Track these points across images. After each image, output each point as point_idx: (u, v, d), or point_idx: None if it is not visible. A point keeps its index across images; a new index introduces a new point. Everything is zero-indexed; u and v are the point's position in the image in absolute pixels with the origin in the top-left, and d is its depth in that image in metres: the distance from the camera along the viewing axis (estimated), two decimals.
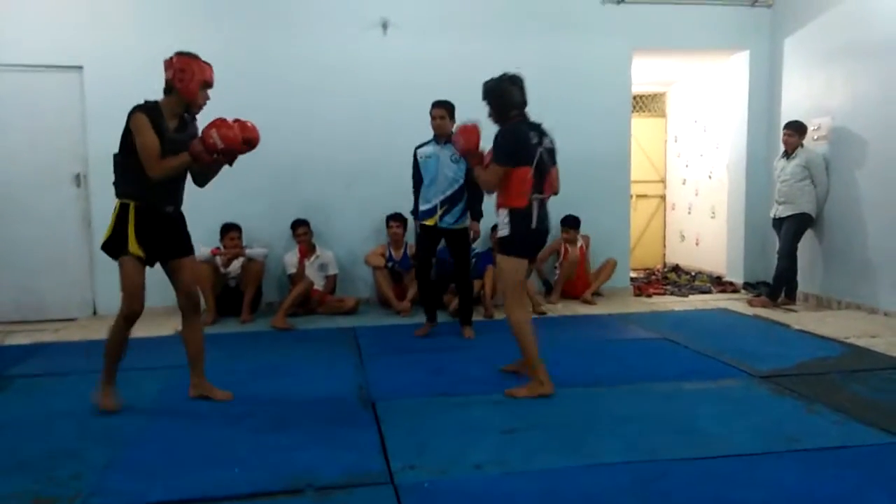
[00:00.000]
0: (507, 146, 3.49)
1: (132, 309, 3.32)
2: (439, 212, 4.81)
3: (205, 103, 3.43)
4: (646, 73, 7.97)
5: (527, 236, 3.57)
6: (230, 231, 5.83)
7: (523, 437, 2.97)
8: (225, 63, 6.00)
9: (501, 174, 3.51)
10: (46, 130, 5.91)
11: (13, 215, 5.87)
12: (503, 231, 3.59)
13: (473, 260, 6.21)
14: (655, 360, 4.32)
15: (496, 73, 6.73)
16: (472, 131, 3.72)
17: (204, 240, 5.92)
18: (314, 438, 3.01)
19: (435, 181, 4.82)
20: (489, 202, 4.75)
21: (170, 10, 6.04)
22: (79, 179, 5.99)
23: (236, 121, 3.31)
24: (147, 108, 3.28)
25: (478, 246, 6.42)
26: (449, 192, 4.79)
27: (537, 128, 3.61)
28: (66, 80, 5.90)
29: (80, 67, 5.89)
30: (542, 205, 3.60)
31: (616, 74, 6.71)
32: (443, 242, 5.01)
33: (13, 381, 4.01)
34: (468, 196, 4.85)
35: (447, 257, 6.21)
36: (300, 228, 6.00)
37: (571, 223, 6.47)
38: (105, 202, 5.93)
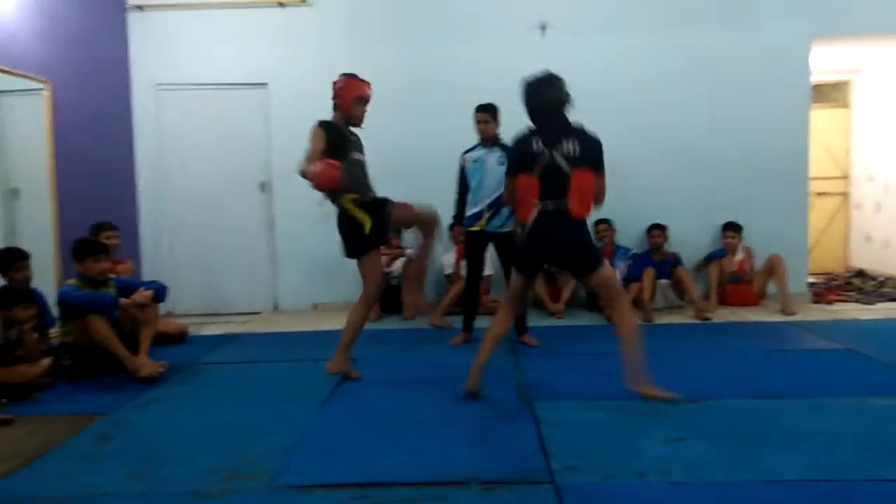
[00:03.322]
0: (509, 155, 3.41)
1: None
2: (486, 215, 4.74)
3: (363, 115, 3.92)
4: (826, 61, 7.33)
5: (526, 247, 3.39)
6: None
7: (689, 446, 2.85)
8: (392, 76, 6.38)
9: (510, 185, 3.44)
10: (235, 143, 6.55)
11: (206, 219, 6.55)
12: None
13: (630, 262, 6.07)
14: (838, 371, 3.97)
15: (658, 70, 6.55)
16: None
17: None
18: (476, 434, 3.09)
19: (482, 185, 4.76)
20: None
21: (342, 29, 6.48)
22: (263, 187, 6.57)
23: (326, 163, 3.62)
24: (323, 123, 3.83)
25: (634, 247, 6.26)
26: (495, 196, 4.68)
27: (558, 131, 3.30)
28: (253, 97, 6.49)
29: (266, 84, 6.46)
30: (546, 213, 3.27)
31: (793, 64, 6.27)
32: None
33: (208, 368, 4.46)
34: None
35: None
36: (457, 229, 6.16)
37: (732, 226, 6.16)
38: (288, 207, 6.54)
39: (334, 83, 3.89)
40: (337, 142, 3.77)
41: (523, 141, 3.36)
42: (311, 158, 3.67)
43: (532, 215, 3.29)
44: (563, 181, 3.24)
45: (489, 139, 4.82)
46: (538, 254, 3.41)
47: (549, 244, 3.32)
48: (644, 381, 3.36)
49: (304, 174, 3.64)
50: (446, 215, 6.20)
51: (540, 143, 3.28)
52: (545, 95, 3.31)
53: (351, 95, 3.83)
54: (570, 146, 3.25)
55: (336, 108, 3.89)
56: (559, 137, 3.27)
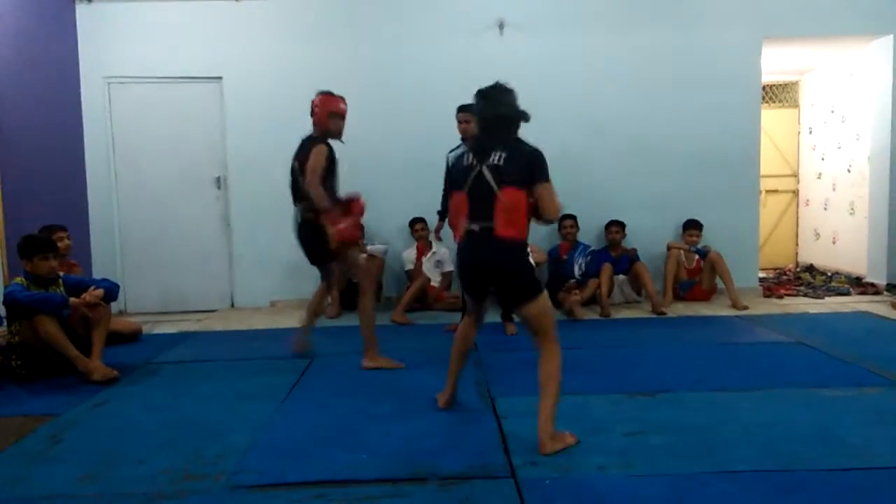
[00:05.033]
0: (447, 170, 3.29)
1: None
2: None
3: (340, 129, 4.09)
4: (776, 62, 7.53)
5: (459, 268, 3.16)
6: None
7: (647, 439, 2.91)
8: (349, 72, 6.33)
9: (447, 203, 3.26)
10: (190, 137, 6.41)
11: (160, 215, 6.41)
12: None
13: (588, 258, 6.14)
14: (789, 364, 4.08)
15: (614, 69, 6.60)
16: None
17: None
18: (436, 429, 3.09)
19: None
20: None
21: (299, 24, 6.39)
22: (219, 182, 6.45)
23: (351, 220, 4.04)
24: (324, 140, 4.03)
25: (593, 244, 6.34)
26: None
27: (492, 144, 2.94)
28: (207, 91, 6.37)
29: (220, 78, 6.34)
30: (472, 235, 2.94)
31: (744, 65, 6.42)
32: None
33: (162, 367, 4.37)
34: None
35: (558, 255, 6.20)
36: (417, 225, 6.17)
37: (695, 224, 6.27)
38: (244, 202, 6.45)
39: (312, 101, 4.05)
40: (332, 160, 4.00)
41: (454, 156, 3.18)
42: (314, 172, 3.84)
43: (460, 236, 3.01)
44: (490, 199, 2.87)
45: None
46: (469, 277, 3.10)
47: (475, 266, 3.02)
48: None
49: (320, 202, 3.87)
50: (396, 214, 6.24)
51: (471, 157, 2.98)
52: (477, 107, 3.05)
53: (325, 111, 4.00)
54: (497, 159, 2.88)
55: (315, 124, 4.06)
56: (490, 150, 2.92)
